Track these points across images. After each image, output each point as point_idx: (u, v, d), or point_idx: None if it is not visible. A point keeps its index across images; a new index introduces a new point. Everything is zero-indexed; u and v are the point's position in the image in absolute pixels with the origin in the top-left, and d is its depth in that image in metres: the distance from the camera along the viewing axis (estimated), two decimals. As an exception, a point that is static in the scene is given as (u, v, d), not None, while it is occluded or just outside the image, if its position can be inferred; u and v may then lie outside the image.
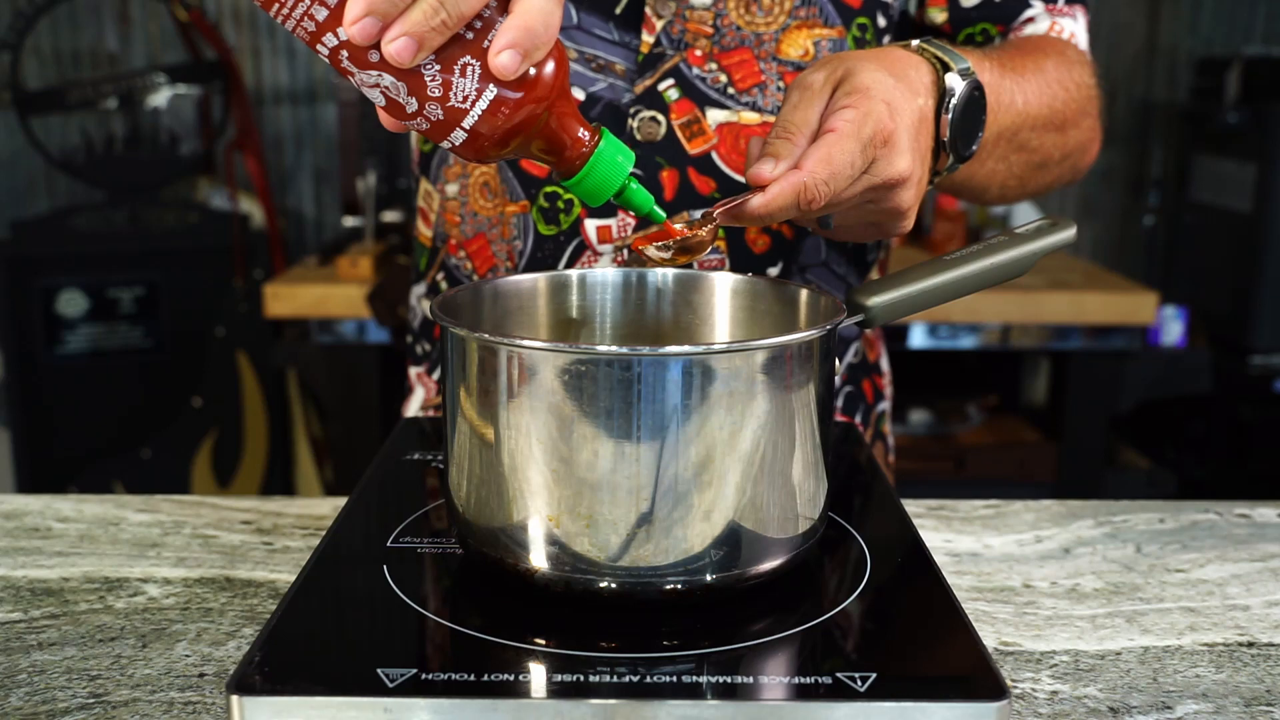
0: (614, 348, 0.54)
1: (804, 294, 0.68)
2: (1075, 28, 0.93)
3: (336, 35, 0.55)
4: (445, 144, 0.58)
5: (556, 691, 0.49)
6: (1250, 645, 0.64)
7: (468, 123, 0.57)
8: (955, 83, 0.72)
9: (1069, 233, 0.74)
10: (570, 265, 0.89)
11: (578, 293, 0.72)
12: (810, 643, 0.54)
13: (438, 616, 0.57)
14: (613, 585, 0.55)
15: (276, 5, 0.55)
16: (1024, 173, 0.88)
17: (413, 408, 1.05)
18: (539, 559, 0.56)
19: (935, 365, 2.70)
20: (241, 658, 0.56)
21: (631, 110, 0.87)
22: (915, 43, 0.75)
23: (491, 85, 0.56)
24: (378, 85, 0.56)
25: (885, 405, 1.05)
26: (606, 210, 0.88)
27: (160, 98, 2.72)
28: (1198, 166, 3.03)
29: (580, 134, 0.60)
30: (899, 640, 0.56)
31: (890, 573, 0.62)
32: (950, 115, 0.72)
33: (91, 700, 0.57)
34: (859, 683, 0.49)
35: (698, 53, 0.87)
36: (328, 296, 2.30)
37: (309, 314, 2.33)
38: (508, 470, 0.56)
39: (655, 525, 0.54)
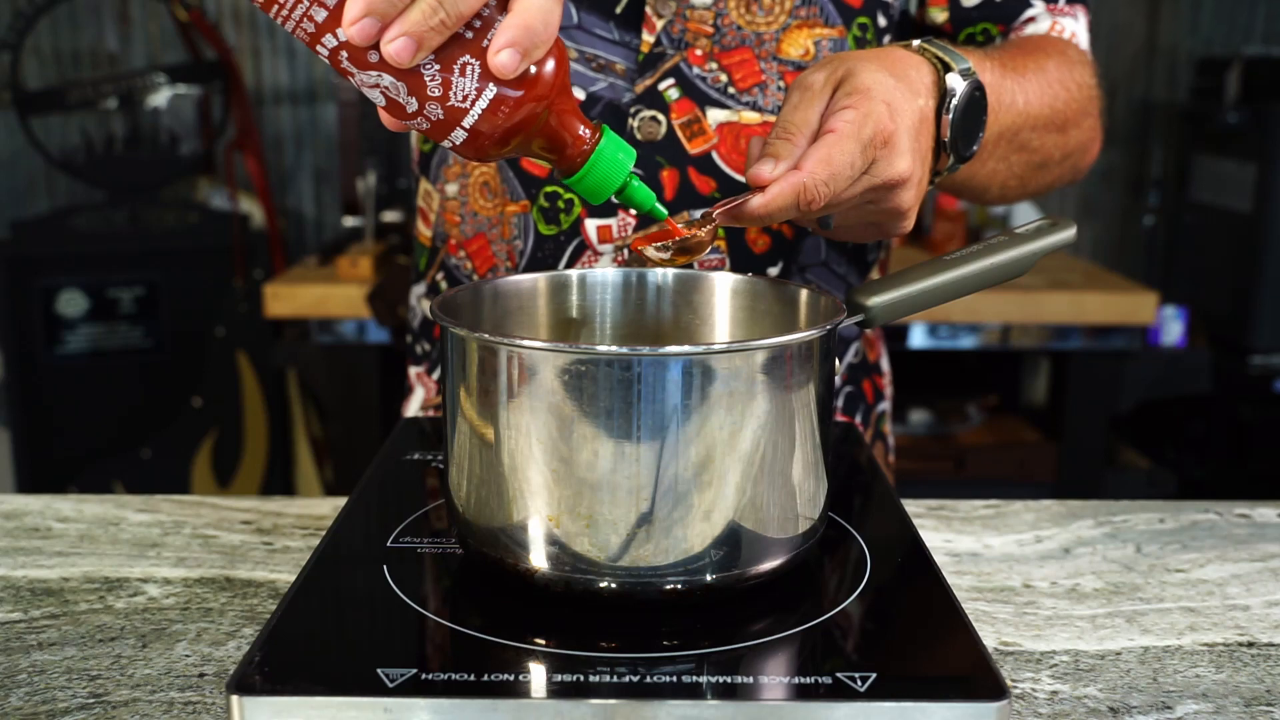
0: (614, 348, 0.54)
1: (804, 294, 0.68)
2: (1076, 27, 0.93)
3: (336, 36, 0.55)
4: (446, 143, 0.58)
5: (556, 691, 0.49)
6: (1250, 645, 0.64)
7: (468, 122, 0.57)
8: (956, 83, 0.72)
9: (1069, 233, 0.74)
10: (570, 265, 0.89)
11: (578, 293, 0.71)
12: (810, 643, 0.54)
13: (438, 616, 0.57)
14: (613, 585, 0.55)
15: (276, 6, 0.55)
16: (1025, 173, 0.88)
17: (413, 408, 1.05)
18: (539, 559, 0.56)
19: (935, 365, 2.70)
20: (241, 658, 0.56)
21: (632, 110, 0.87)
22: (916, 43, 0.75)
23: (491, 84, 0.56)
24: (377, 85, 0.56)
25: (885, 405, 1.05)
26: (607, 210, 0.88)
27: (160, 98, 2.72)
28: (1198, 166, 3.03)
29: (581, 132, 0.60)
30: (899, 640, 0.56)
31: (890, 573, 0.62)
32: (951, 115, 0.72)
33: (91, 700, 0.57)
34: (859, 683, 0.49)
35: (698, 52, 0.87)
36: (328, 296, 2.30)
37: (309, 314, 2.33)
38: (508, 470, 0.56)
39: (655, 525, 0.54)
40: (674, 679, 0.49)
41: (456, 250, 0.95)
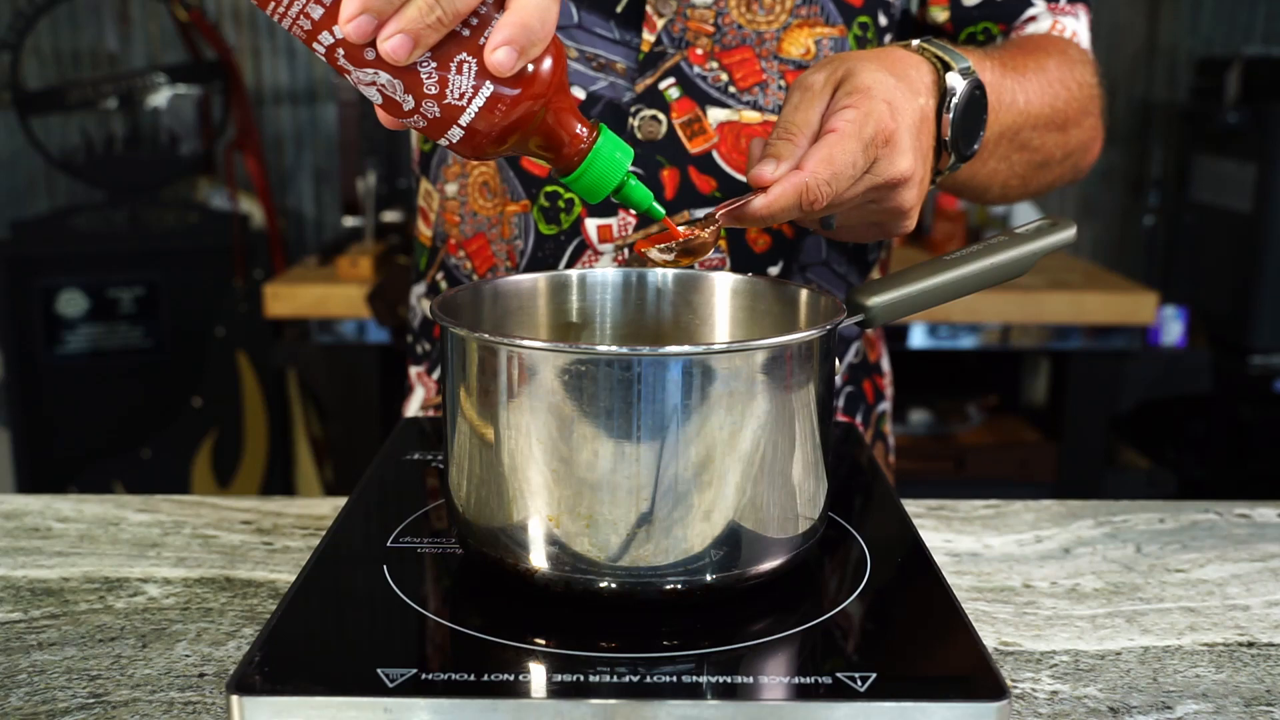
0: (614, 348, 0.54)
1: (804, 294, 0.68)
2: (1077, 26, 0.93)
3: (332, 33, 0.55)
4: (443, 141, 0.58)
5: (556, 691, 0.49)
6: (1250, 645, 0.64)
7: (465, 120, 0.57)
8: (956, 82, 0.72)
9: (1069, 233, 0.74)
10: (571, 265, 0.89)
11: (578, 293, 0.71)
12: (810, 643, 0.54)
13: (438, 616, 0.57)
14: (613, 585, 0.55)
15: (273, 4, 0.54)
16: (1026, 172, 0.88)
17: (413, 407, 1.05)
18: (539, 559, 0.56)
19: (935, 365, 2.70)
20: (241, 658, 0.56)
21: (632, 109, 0.87)
22: (916, 42, 0.75)
23: (488, 82, 0.56)
24: (374, 83, 0.56)
25: (886, 405, 1.05)
26: (607, 209, 0.88)
27: (160, 98, 2.72)
28: (1198, 166, 3.03)
29: (578, 130, 0.60)
30: (899, 640, 0.56)
31: (890, 573, 0.62)
32: (951, 115, 0.72)
33: (91, 700, 0.57)
34: (859, 683, 0.49)
35: (699, 51, 0.87)
36: (328, 296, 2.30)
37: (309, 314, 2.33)
38: (508, 470, 0.56)
39: (655, 525, 0.54)
40: (674, 679, 0.49)
41: (456, 250, 0.95)
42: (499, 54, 0.55)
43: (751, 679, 0.50)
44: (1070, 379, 2.42)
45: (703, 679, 0.50)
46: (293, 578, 0.66)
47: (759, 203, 0.65)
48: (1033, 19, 0.93)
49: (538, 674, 0.51)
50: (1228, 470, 2.96)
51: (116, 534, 0.79)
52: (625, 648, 0.53)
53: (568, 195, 0.88)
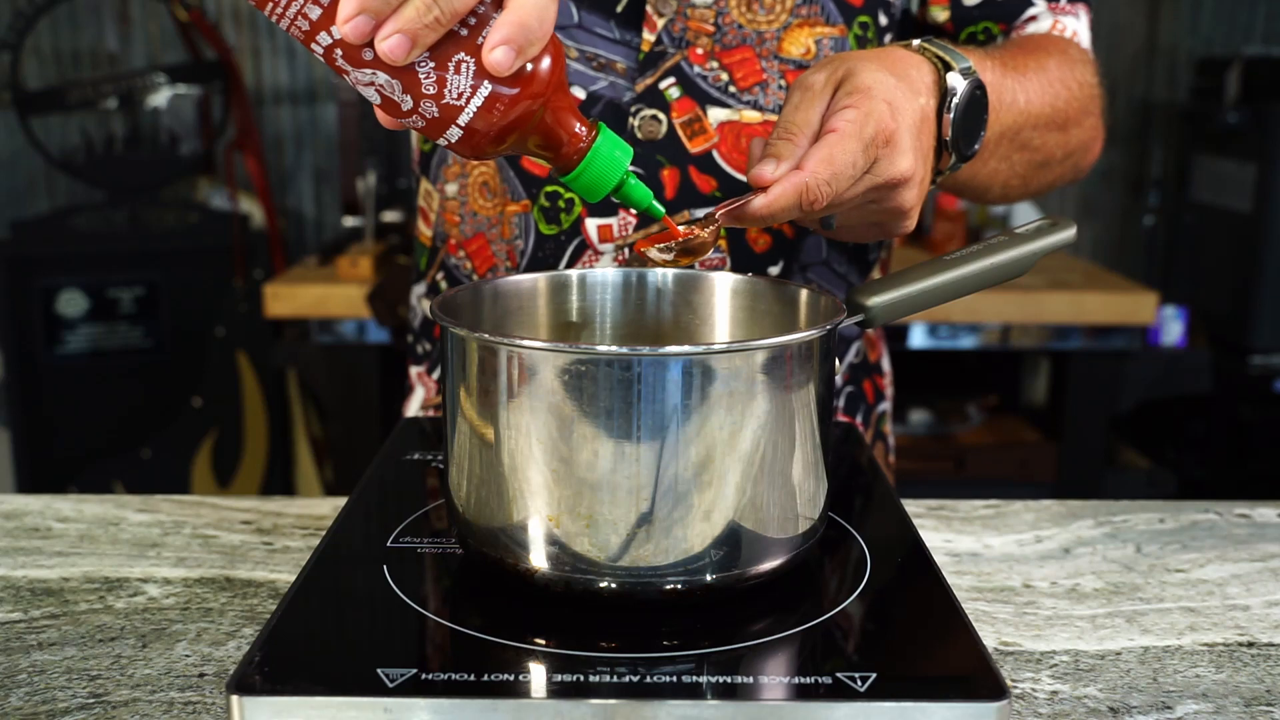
0: (614, 348, 0.54)
1: (804, 294, 0.68)
2: (1078, 26, 0.93)
3: (330, 34, 0.55)
4: (441, 141, 0.58)
5: (556, 691, 0.49)
6: (1250, 645, 0.64)
7: (463, 120, 0.57)
8: (957, 82, 0.72)
9: (1069, 233, 0.74)
10: (571, 265, 0.89)
11: (578, 293, 0.71)
12: (810, 643, 0.54)
13: (438, 616, 0.57)
14: (613, 585, 0.55)
15: (270, 4, 0.54)
16: (1026, 172, 0.88)
17: (413, 407, 1.05)
18: (539, 559, 0.56)
19: (935, 365, 2.70)
20: (241, 658, 0.56)
21: (633, 109, 0.87)
22: (916, 42, 0.75)
23: (486, 82, 0.56)
24: (372, 83, 0.56)
25: (886, 405, 1.05)
26: (608, 209, 0.88)
27: (160, 98, 2.72)
28: (1198, 166, 3.03)
29: (577, 129, 0.60)
30: (899, 640, 0.56)
31: (890, 573, 0.62)
32: (952, 115, 0.72)
33: (91, 700, 0.57)
34: (859, 683, 0.49)
35: (699, 51, 0.87)
36: (328, 296, 2.30)
37: (309, 314, 2.33)
38: (508, 470, 0.56)
39: (655, 525, 0.54)
40: (674, 679, 0.49)
41: (456, 250, 0.95)
42: (497, 53, 0.55)
43: (751, 679, 0.50)
44: (1070, 379, 2.42)
45: (703, 679, 0.50)
46: (293, 578, 0.66)
47: (759, 202, 0.65)
48: (1033, 19, 0.93)
49: (538, 674, 0.51)
50: (1228, 470, 2.96)
51: (116, 534, 0.79)
52: (625, 648, 0.53)
53: (568, 195, 0.88)
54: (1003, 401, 2.80)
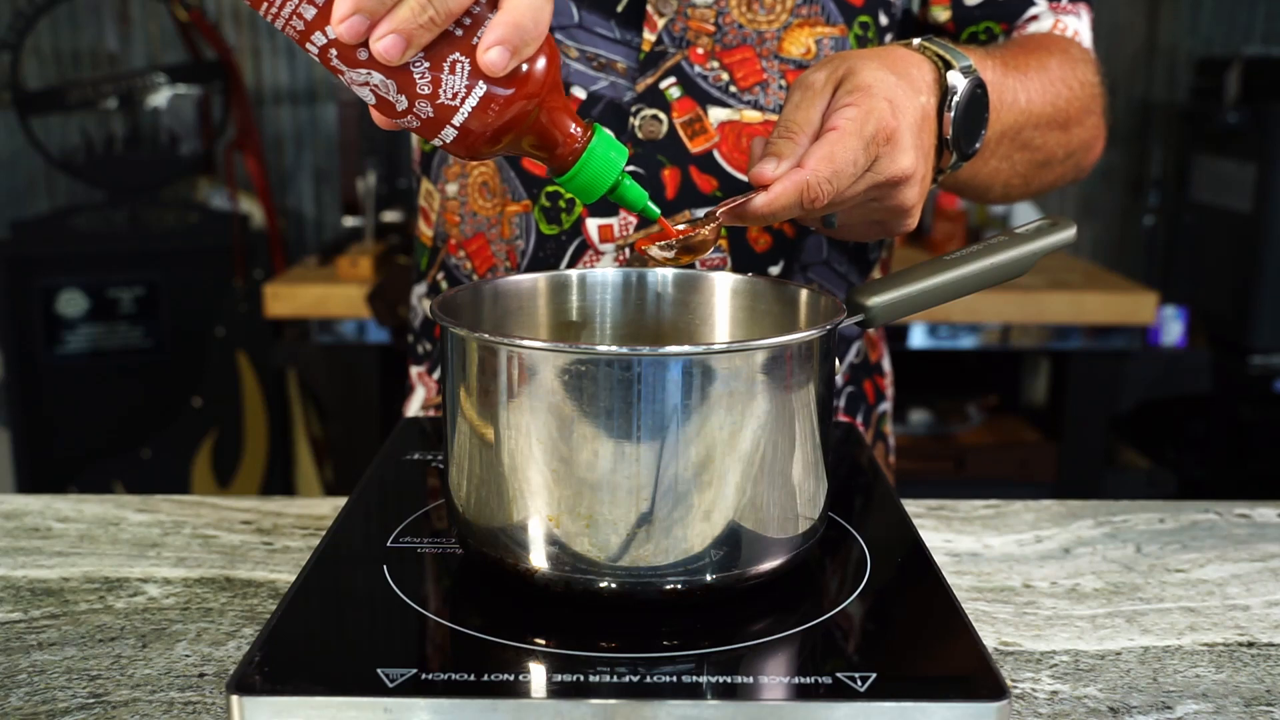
0: (614, 348, 0.54)
1: (804, 294, 0.68)
2: (1079, 25, 0.93)
3: (325, 33, 0.55)
4: (436, 141, 0.58)
5: (556, 691, 0.49)
6: (1250, 645, 0.64)
7: (458, 120, 0.57)
8: (957, 80, 0.72)
9: (1069, 233, 0.74)
10: (572, 265, 0.89)
11: (578, 293, 0.71)
12: (810, 643, 0.54)
13: (438, 616, 0.57)
14: (613, 585, 0.55)
15: (265, 4, 0.54)
16: (1028, 171, 0.88)
17: (413, 407, 1.05)
18: (539, 559, 0.56)
19: (935, 365, 2.70)
20: (241, 658, 0.56)
21: (633, 109, 0.87)
22: (917, 41, 0.75)
23: (481, 82, 0.56)
24: (367, 84, 0.56)
25: (886, 406, 1.05)
26: (608, 209, 0.88)
27: (160, 98, 2.72)
28: (1198, 166, 3.03)
29: (572, 130, 0.60)
30: (899, 640, 0.56)
31: (890, 573, 0.62)
32: (953, 113, 0.72)
33: (91, 700, 0.57)
34: (859, 683, 0.49)
35: (699, 51, 0.87)
36: (328, 296, 2.30)
37: (309, 314, 2.33)
38: (508, 470, 0.56)
39: (655, 525, 0.54)
40: (674, 679, 0.49)
41: (456, 250, 0.95)
42: (492, 54, 0.55)
43: (751, 679, 0.50)
44: (1070, 379, 2.42)
45: (703, 679, 0.50)
46: (293, 578, 0.66)
47: (760, 201, 0.65)
48: (1034, 18, 0.93)
49: (538, 674, 0.51)
50: (1228, 470, 2.96)
51: (116, 534, 0.79)
52: (625, 648, 0.53)
53: (569, 195, 0.88)
54: (1003, 401, 2.80)
